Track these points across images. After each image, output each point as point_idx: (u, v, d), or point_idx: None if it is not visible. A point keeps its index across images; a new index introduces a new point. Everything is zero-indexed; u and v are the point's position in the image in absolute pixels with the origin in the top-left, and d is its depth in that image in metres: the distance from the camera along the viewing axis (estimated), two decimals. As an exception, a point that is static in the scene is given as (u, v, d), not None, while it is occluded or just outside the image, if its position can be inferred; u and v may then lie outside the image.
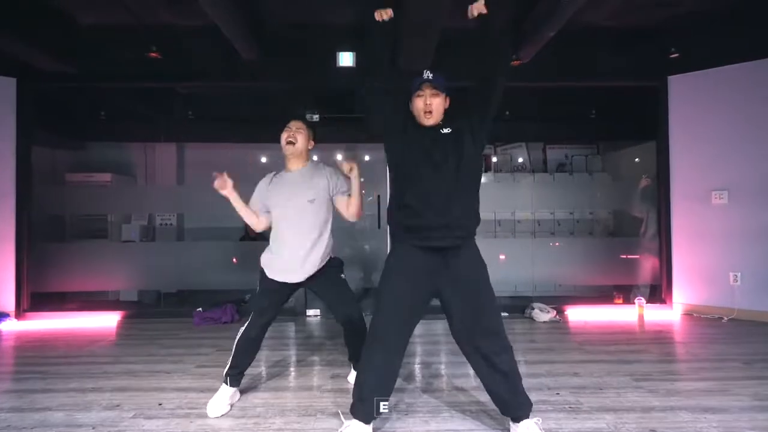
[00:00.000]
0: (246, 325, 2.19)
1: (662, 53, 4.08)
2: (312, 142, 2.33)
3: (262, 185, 2.34)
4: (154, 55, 3.81)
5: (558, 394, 2.22)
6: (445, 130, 1.79)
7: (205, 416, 2.00)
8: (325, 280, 2.24)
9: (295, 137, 2.24)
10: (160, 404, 2.14)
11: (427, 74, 1.84)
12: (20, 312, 4.02)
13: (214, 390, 2.29)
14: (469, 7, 1.82)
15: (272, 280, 2.19)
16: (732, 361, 2.72)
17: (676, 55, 3.96)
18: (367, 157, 5.60)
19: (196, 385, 2.39)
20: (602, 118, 5.74)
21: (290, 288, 2.23)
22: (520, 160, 6.37)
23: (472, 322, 1.74)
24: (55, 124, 5.26)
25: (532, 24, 3.62)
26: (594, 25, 3.98)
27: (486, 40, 1.81)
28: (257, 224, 2.32)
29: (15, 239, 4.03)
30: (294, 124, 2.29)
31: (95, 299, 4.94)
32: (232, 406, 2.12)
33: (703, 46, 3.99)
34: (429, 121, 1.82)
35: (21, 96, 4.09)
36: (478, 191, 1.84)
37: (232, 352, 2.18)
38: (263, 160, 6.41)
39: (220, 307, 3.93)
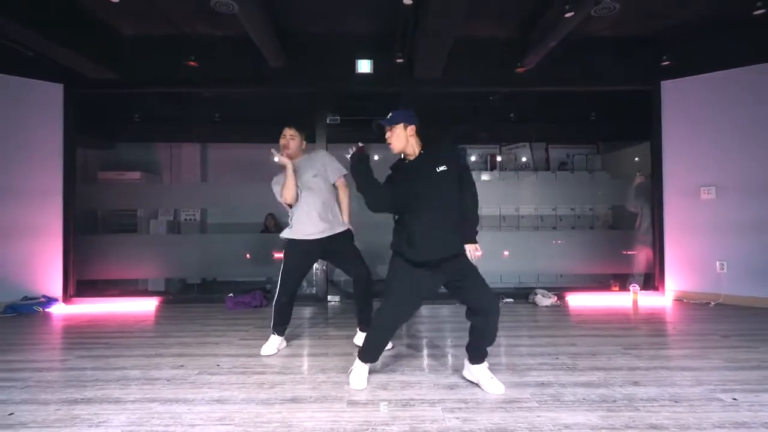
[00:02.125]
0: (276, 293, 2.78)
1: (655, 60, 4.44)
2: (304, 143, 2.92)
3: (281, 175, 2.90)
4: (192, 63, 4.19)
5: (557, 358, 2.58)
6: (440, 168, 2.07)
7: (260, 372, 2.37)
8: (341, 246, 2.80)
9: (289, 145, 2.82)
10: (218, 365, 2.51)
11: (380, 121, 2.19)
12: (67, 297, 4.41)
13: (261, 356, 2.68)
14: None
15: (295, 243, 2.73)
16: (712, 335, 3.07)
17: (668, 62, 4.31)
18: (376, 156, 5.95)
19: (244, 352, 2.76)
20: (601, 119, 6.09)
21: (311, 251, 2.75)
22: (524, 159, 6.73)
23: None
24: (90, 126, 5.64)
25: (537, 35, 3.97)
26: (592, 34, 4.34)
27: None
28: (294, 195, 2.76)
29: (62, 232, 4.42)
30: (288, 132, 2.87)
31: (127, 287, 5.33)
32: (278, 350, 2.79)
33: (693, 54, 4.35)
34: (394, 150, 2.19)
35: (67, 101, 4.48)
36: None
37: (272, 314, 2.80)
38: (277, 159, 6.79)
39: (249, 293, 4.31)
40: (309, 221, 2.72)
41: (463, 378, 2.26)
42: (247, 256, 5.25)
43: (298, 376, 2.32)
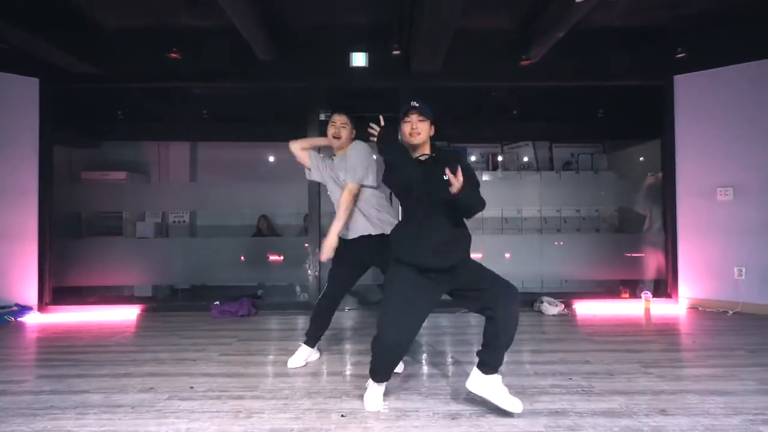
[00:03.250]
0: (321, 294, 2.62)
1: (668, 53, 4.18)
2: (353, 131, 2.59)
3: (318, 158, 2.69)
4: (174, 55, 3.93)
5: (570, 379, 2.32)
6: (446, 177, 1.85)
7: (237, 398, 2.11)
8: (375, 253, 2.44)
9: (340, 133, 2.51)
10: (192, 387, 2.24)
11: (414, 103, 1.99)
12: (42, 305, 4.14)
13: (241, 375, 2.43)
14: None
15: (339, 243, 2.48)
16: (738, 350, 2.81)
17: (683, 54, 4.05)
18: (374, 157, 5.69)
19: (224, 371, 2.49)
20: (608, 117, 5.83)
21: (353, 253, 2.50)
22: (526, 158, 6.47)
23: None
24: (70, 123, 5.38)
25: (543, 25, 3.71)
26: (602, 25, 4.08)
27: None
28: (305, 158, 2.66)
29: (38, 235, 4.15)
30: (339, 119, 2.52)
31: (111, 294, 5.06)
32: (307, 362, 2.59)
33: (708, 46, 4.09)
34: (416, 139, 1.97)
35: (43, 96, 4.21)
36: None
37: (310, 318, 2.64)
38: (273, 158, 6.54)
39: (237, 301, 4.04)
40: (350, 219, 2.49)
41: (467, 401, 1.99)
42: (242, 258, 4.99)
43: (281, 402, 2.06)
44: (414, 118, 1.98)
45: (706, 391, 2.13)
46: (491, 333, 1.89)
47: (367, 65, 4.19)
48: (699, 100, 4.17)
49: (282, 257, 4.99)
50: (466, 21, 3.87)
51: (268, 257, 5.01)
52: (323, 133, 4.28)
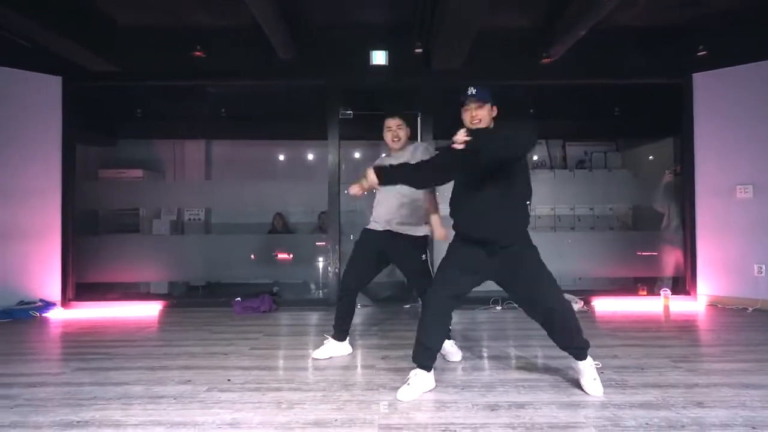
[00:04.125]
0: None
1: (687, 51, 4.18)
2: (409, 129, 2.67)
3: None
4: (198, 54, 3.96)
5: (602, 372, 2.33)
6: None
7: (276, 389, 2.14)
8: (402, 249, 2.58)
9: (398, 135, 2.60)
10: (229, 380, 2.27)
11: (471, 90, 2.04)
12: (66, 301, 4.18)
13: (275, 368, 2.47)
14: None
15: (363, 231, 2.67)
16: (763, 345, 2.83)
17: (704, 53, 4.06)
18: (357, 154, 5.72)
19: (257, 364, 2.53)
20: (622, 115, 5.83)
21: (375, 242, 2.60)
22: (536, 158, 6.47)
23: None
24: (88, 122, 5.42)
25: (564, 24, 3.73)
26: (621, 24, 4.08)
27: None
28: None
29: (61, 232, 4.19)
30: (393, 123, 2.60)
31: (129, 291, 5.10)
32: (331, 357, 2.62)
33: (727, 45, 4.09)
34: (479, 127, 2.03)
35: (66, 94, 4.25)
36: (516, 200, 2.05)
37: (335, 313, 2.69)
38: (287, 157, 6.58)
39: (257, 297, 4.08)
40: (380, 215, 2.62)
41: (503, 393, 2.03)
42: (253, 256, 5.03)
43: (320, 394, 2.09)
44: (472, 106, 2.02)
45: (739, 385, 2.15)
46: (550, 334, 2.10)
47: (387, 63, 4.21)
48: (718, 98, 4.18)
49: (297, 255, 5.03)
50: (487, 19, 3.88)
51: (283, 255, 5.05)
52: (343, 131, 4.39)
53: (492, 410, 1.89)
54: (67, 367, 2.53)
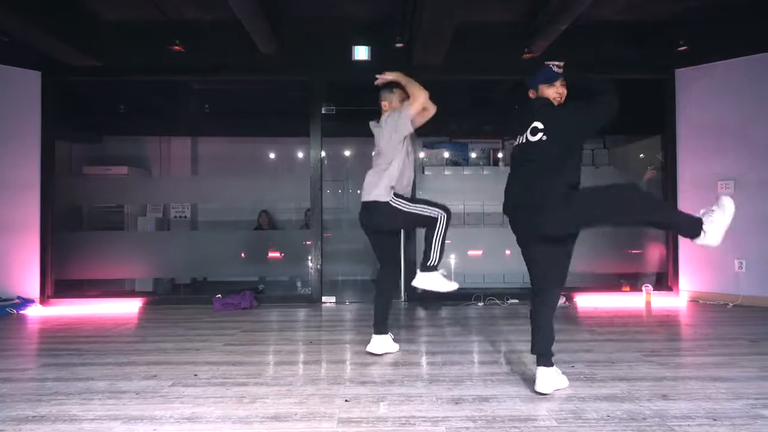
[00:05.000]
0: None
1: (670, 47, 4.17)
2: (402, 94, 2.76)
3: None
4: (177, 48, 3.93)
5: (573, 366, 2.33)
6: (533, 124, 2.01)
7: (242, 384, 2.11)
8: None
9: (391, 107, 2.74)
10: (196, 375, 2.25)
11: (557, 69, 2.09)
12: (44, 298, 4.15)
13: (245, 363, 2.44)
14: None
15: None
16: (738, 339, 2.83)
17: (685, 48, 4.05)
18: (347, 152, 5.70)
19: (227, 359, 2.50)
20: (621, 110, 5.81)
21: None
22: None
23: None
24: (72, 118, 5.38)
25: (545, 18, 3.71)
26: (604, 19, 4.07)
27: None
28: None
29: (39, 229, 4.15)
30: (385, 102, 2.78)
31: (112, 288, 5.07)
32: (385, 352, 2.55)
33: (710, 40, 4.09)
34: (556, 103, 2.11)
35: (45, 90, 4.21)
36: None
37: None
38: (274, 154, 6.55)
39: (238, 294, 4.05)
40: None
41: (470, 387, 2.01)
42: (242, 254, 5.00)
43: (284, 388, 2.07)
44: (558, 83, 2.07)
45: (707, 378, 2.14)
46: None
47: (370, 59, 4.19)
48: (701, 94, 4.18)
49: (282, 252, 5.00)
50: (469, 14, 3.87)
51: (269, 252, 5.02)
52: (326, 129, 4.37)
53: (456, 403, 1.88)
54: (34, 363, 2.50)
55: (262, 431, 1.65)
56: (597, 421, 1.70)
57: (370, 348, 2.55)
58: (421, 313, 3.83)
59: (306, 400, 1.93)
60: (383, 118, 2.68)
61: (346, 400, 1.91)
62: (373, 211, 2.51)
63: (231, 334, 3.08)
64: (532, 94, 2.14)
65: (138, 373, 2.28)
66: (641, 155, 5.83)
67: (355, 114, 4.89)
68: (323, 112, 4.29)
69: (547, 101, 2.07)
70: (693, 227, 1.96)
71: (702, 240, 1.94)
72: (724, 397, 1.91)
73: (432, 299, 4.14)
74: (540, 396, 1.94)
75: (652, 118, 4.67)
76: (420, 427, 1.67)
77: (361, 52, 4.19)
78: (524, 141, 2.03)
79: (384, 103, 2.72)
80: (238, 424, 1.70)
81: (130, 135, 6.21)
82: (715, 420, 1.70)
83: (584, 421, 1.70)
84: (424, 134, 6.36)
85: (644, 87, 4.67)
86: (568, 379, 2.10)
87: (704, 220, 1.95)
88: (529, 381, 2.11)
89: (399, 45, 3.99)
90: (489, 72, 4.34)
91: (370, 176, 2.56)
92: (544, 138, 1.96)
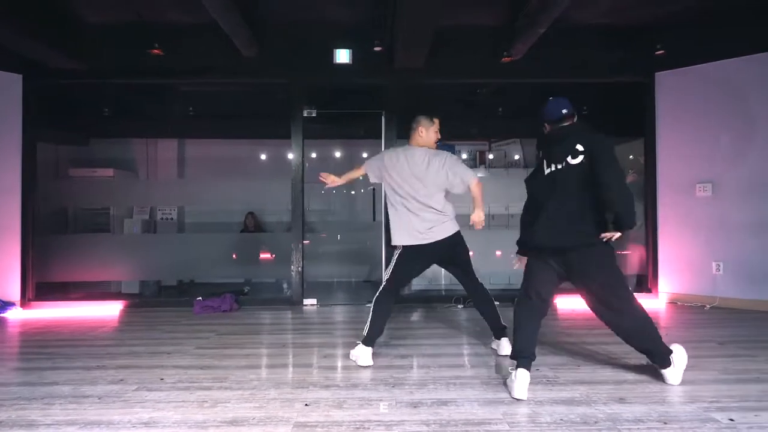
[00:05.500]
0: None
1: (650, 50, 4.20)
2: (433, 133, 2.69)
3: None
4: (156, 51, 3.93)
5: (538, 369, 2.34)
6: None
7: (205, 388, 2.13)
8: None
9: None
10: (162, 379, 2.26)
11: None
12: (25, 301, 4.15)
13: (213, 367, 2.45)
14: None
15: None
16: (708, 342, 2.85)
17: (662, 52, 4.08)
18: (364, 154, 5.71)
19: (196, 363, 2.51)
20: (595, 114, 5.84)
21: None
22: (517, 157, 6.48)
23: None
24: (59, 121, 5.39)
25: (524, 21, 3.73)
26: (585, 23, 4.09)
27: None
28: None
29: (20, 232, 4.16)
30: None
31: (97, 291, 5.06)
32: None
33: (688, 44, 4.11)
34: None
35: (26, 92, 4.22)
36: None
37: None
38: (261, 156, 6.55)
39: (219, 297, 4.06)
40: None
41: (432, 391, 2.02)
42: (234, 256, 5.01)
43: (247, 392, 2.08)
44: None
45: (664, 381, 2.16)
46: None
47: (351, 62, 4.20)
48: (680, 97, 4.21)
49: (269, 254, 5.01)
50: (450, 17, 3.89)
51: (260, 254, 5.04)
52: (310, 131, 4.38)
53: (414, 407, 1.89)
54: (3, 367, 2.51)
55: (217, 436, 1.67)
56: (549, 425, 1.72)
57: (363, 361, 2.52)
58: (398, 316, 3.84)
59: (266, 404, 1.94)
60: (427, 155, 2.60)
61: (306, 404, 1.93)
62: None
63: (205, 338, 3.09)
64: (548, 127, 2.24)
65: (105, 378, 2.29)
66: (630, 157, 5.86)
67: (337, 117, 4.92)
68: (304, 115, 4.29)
69: (585, 125, 2.18)
70: (665, 360, 2.11)
71: (669, 373, 2.10)
72: (680, 401, 1.94)
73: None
74: (497, 400, 1.96)
75: (635, 120, 4.69)
76: (373, 431, 1.68)
77: (342, 56, 4.20)
78: (562, 166, 2.07)
79: (421, 129, 2.65)
80: (194, 429, 1.72)
81: (118, 137, 6.21)
82: (665, 423, 1.72)
83: (536, 425, 1.72)
84: (404, 136, 6.42)
85: (626, 89, 4.70)
86: (531, 383, 2.12)
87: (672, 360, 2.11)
88: (492, 385, 2.14)
89: (377, 49, 4.01)
90: (471, 75, 4.36)
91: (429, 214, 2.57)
92: (584, 161, 2.02)
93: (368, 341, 2.48)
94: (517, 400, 1.95)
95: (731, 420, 1.74)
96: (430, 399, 1.98)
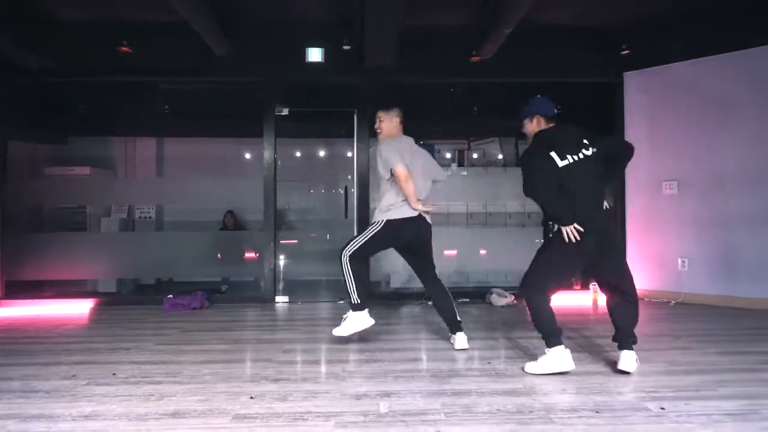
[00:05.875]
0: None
1: (618, 51, 4.26)
2: (395, 120, 2.80)
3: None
4: (125, 49, 3.93)
5: (489, 363, 2.38)
6: None
7: (155, 383, 2.14)
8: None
9: (380, 127, 2.79)
10: (114, 374, 2.27)
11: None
12: (-5, 299, 4.13)
13: (169, 362, 2.46)
14: None
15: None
16: (664, 336, 2.90)
17: (627, 52, 4.14)
18: (339, 152, 5.74)
19: (153, 359, 2.52)
20: (570, 114, 5.89)
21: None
22: (500, 156, 6.51)
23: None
24: (37, 119, 5.36)
25: (491, 22, 3.76)
26: (555, 23, 4.13)
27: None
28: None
29: (-9, 230, 4.14)
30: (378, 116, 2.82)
31: (73, 289, 5.03)
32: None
33: (656, 44, 4.17)
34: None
35: (-4, 91, 4.20)
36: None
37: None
38: (240, 155, 6.55)
39: (190, 294, 4.06)
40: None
41: (380, 383, 2.05)
42: (215, 255, 5.01)
43: (197, 386, 2.09)
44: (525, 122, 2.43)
45: (611, 373, 2.21)
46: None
47: (323, 60, 4.22)
48: (647, 97, 4.27)
49: (248, 252, 5.01)
50: (421, 17, 3.93)
51: (236, 252, 5.03)
52: (280, 129, 4.39)
53: (357, 399, 1.92)
54: (-41, 364, 2.50)
55: (156, 428, 1.68)
56: (483, 414, 1.75)
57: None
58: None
59: (212, 397, 1.96)
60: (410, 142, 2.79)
61: (251, 397, 1.95)
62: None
63: (168, 335, 3.09)
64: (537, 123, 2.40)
65: (58, 373, 2.30)
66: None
67: (310, 115, 4.93)
68: (276, 113, 4.31)
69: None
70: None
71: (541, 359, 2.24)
72: (619, 391, 1.97)
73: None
74: (440, 391, 1.99)
75: (607, 119, 4.75)
76: (311, 422, 1.71)
77: (314, 54, 4.22)
78: (579, 158, 2.23)
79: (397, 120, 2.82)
80: (134, 422, 1.73)
81: (96, 135, 6.18)
82: (597, 413, 1.75)
83: (471, 415, 1.75)
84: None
85: (599, 90, 4.75)
86: (480, 376, 2.16)
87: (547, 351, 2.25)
88: (441, 377, 2.17)
89: (346, 47, 4.03)
90: (442, 75, 4.40)
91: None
92: (595, 150, 2.27)
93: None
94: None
95: (662, 408, 1.78)
96: (375, 391, 2.00)
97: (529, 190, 2.26)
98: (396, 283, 4.79)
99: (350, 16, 3.95)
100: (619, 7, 3.88)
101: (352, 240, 2.67)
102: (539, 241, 2.50)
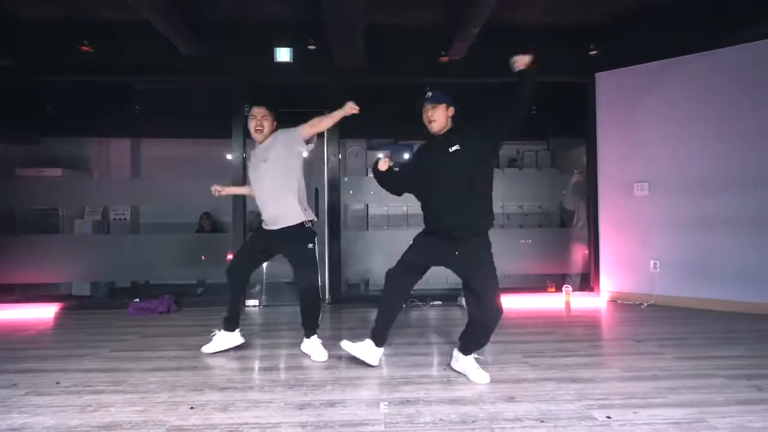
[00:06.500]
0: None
1: (591, 51, 4.24)
2: (275, 123, 2.68)
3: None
4: (85, 48, 3.85)
5: (444, 369, 2.34)
6: (453, 148, 2.16)
7: (97, 392, 2.07)
8: (291, 246, 2.55)
9: (262, 125, 2.59)
10: (58, 383, 2.20)
11: (427, 93, 2.29)
12: (-44, 304, 4.03)
13: (117, 371, 2.39)
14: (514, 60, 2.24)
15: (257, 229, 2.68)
16: (627, 340, 2.88)
17: (596, 52, 4.13)
18: (305, 154, 5.67)
19: (102, 366, 2.45)
20: (549, 114, 5.89)
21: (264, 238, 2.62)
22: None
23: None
24: (6, 120, 5.24)
25: (460, 21, 3.73)
26: (526, 23, 4.10)
27: (517, 96, 2.26)
28: (251, 194, 2.73)
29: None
30: (259, 112, 2.58)
31: (45, 293, 4.93)
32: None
33: (628, 44, 4.16)
34: (434, 127, 2.27)
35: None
36: (486, 194, 2.26)
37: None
38: (216, 155, 6.47)
39: (157, 298, 3.99)
40: (262, 208, 2.60)
41: (325, 392, 2.00)
42: (203, 257, 4.91)
43: (139, 396, 2.03)
44: (428, 107, 2.23)
45: (566, 379, 2.17)
46: (472, 328, 2.20)
47: (292, 61, 4.16)
48: (620, 97, 4.25)
49: (224, 255, 4.93)
50: (391, 16, 3.88)
51: (212, 254, 4.95)
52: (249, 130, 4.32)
53: (299, 409, 1.87)
54: None
55: (83, 441, 1.62)
56: (425, 424, 1.71)
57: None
58: (327, 317, 3.81)
59: (151, 408, 1.90)
60: (273, 137, 2.70)
61: (191, 408, 1.89)
62: None
63: (127, 340, 3.02)
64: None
65: (-1, 382, 2.23)
66: (583, 156, 5.92)
67: (281, 116, 4.85)
68: (246, 113, 4.23)
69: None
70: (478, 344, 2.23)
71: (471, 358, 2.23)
72: (567, 399, 1.94)
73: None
74: (388, 399, 1.94)
75: (581, 120, 4.73)
76: (245, 434, 1.66)
77: (283, 54, 4.16)
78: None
79: (261, 113, 2.69)
80: (62, 435, 1.67)
81: (69, 136, 6.08)
82: (542, 422, 1.72)
83: (413, 425, 1.71)
84: (370, 136, 6.39)
85: (572, 90, 4.74)
86: (430, 383, 2.11)
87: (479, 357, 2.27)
88: (392, 384, 2.12)
89: (311, 47, 3.98)
90: (413, 74, 4.35)
91: None
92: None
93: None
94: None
95: (608, 417, 1.75)
96: (320, 400, 1.95)
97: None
98: (376, 287, 4.75)
99: (316, 16, 3.90)
100: (590, 6, 3.86)
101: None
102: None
